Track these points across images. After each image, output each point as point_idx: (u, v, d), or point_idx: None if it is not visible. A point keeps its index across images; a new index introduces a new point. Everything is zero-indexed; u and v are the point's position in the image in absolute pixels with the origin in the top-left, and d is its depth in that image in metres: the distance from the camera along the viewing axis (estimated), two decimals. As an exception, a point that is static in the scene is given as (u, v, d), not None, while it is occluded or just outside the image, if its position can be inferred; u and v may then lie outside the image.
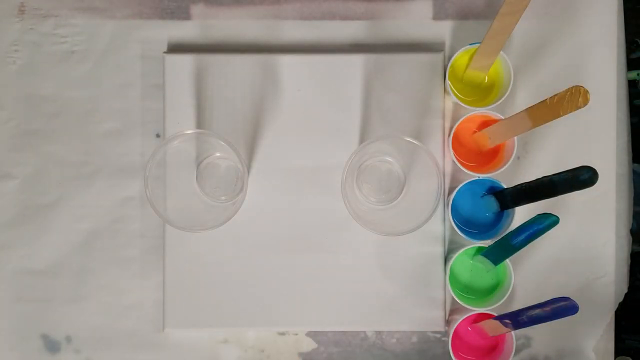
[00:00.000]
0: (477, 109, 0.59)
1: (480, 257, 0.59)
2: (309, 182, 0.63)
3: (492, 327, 0.57)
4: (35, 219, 0.64)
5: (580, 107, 0.42)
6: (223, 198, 0.62)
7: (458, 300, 0.59)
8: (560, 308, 0.48)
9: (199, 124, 0.63)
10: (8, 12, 0.65)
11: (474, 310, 0.59)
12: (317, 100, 0.63)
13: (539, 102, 0.46)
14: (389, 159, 0.62)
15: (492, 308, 0.59)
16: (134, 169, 0.64)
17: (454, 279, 0.61)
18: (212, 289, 0.63)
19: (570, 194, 0.47)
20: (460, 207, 0.61)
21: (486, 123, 0.61)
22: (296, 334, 0.64)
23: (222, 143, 0.53)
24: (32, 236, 0.64)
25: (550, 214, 0.48)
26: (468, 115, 0.59)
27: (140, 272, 0.64)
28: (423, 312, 0.63)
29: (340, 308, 0.63)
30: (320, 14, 0.65)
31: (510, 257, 0.57)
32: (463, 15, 0.65)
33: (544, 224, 0.49)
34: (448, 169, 0.63)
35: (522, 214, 0.58)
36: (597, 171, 0.44)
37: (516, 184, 0.55)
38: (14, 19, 0.65)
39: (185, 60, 0.63)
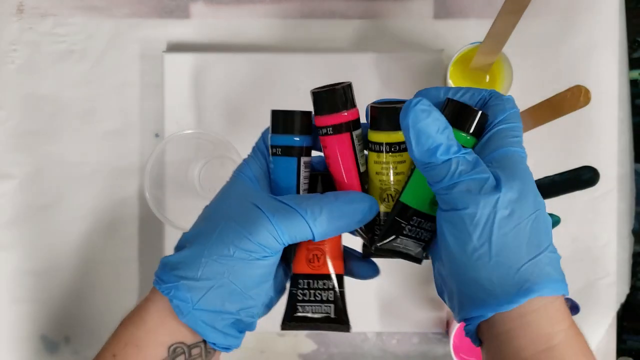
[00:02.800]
0: (478, 108, 0.59)
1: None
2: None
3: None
4: (35, 219, 0.64)
5: (581, 107, 0.42)
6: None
7: (459, 301, 0.59)
8: (561, 309, 0.48)
9: (199, 123, 0.62)
10: (7, 11, 0.64)
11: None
12: (317, 99, 0.63)
13: (540, 102, 0.46)
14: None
15: (493, 309, 0.59)
16: (133, 169, 0.64)
17: (454, 280, 0.61)
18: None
19: (571, 194, 0.47)
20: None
21: (487, 123, 0.61)
22: (296, 335, 0.64)
23: (222, 142, 0.53)
24: (32, 236, 0.64)
25: (551, 214, 0.48)
26: (469, 114, 0.59)
27: (139, 273, 0.64)
28: (424, 313, 0.62)
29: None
30: (321, 12, 0.65)
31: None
32: (464, 14, 0.64)
33: (545, 224, 0.49)
34: (449, 168, 0.63)
35: (523, 214, 0.58)
36: (599, 171, 0.44)
37: (517, 184, 0.54)
38: (12, 18, 0.64)
39: (185, 60, 0.62)
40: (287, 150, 0.35)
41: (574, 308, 0.49)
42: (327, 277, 0.36)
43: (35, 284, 0.64)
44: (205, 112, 0.62)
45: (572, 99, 0.42)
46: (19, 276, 0.64)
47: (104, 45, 0.64)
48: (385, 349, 0.64)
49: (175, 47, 0.65)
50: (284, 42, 0.65)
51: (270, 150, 0.35)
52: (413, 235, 0.35)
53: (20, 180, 0.64)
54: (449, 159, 0.30)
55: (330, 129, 0.34)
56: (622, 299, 0.64)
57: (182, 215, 0.56)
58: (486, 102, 0.35)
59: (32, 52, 0.64)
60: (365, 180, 0.36)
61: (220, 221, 0.33)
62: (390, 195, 0.35)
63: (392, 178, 0.34)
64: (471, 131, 0.33)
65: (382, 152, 0.34)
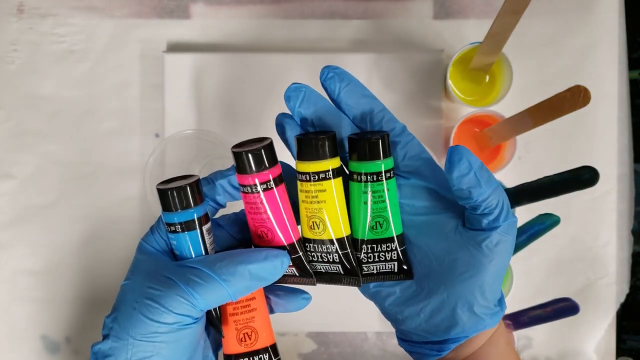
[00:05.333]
0: (478, 108, 0.59)
1: (481, 258, 0.59)
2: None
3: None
4: (35, 219, 0.64)
5: (581, 107, 0.42)
6: (223, 198, 0.62)
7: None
8: (561, 308, 0.48)
9: (199, 123, 0.62)
10: (7, 11, 0.64)
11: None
12: (317, 99, 0.63)
13: (540, 102, 0.46)
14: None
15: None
16: (133, 169, 0.64)
17: (454, 280, 0.61)
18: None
19: (571, 194, 0.47)
20: (460, 207, 0.61)
21: (487, 123, 0.61)
22: (296, 335, 0.64)
23: (222, 142, 0.53)
24: (32, 236, 0.64)
25: (551, 214, 0.48)
26: (469, 114, 0.59)
27: (140, 273, 0.64)
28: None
29: (340, 309, 0.63)
30: (321, 13, 0.65)
31: (512, 257, 0.57)
32: (463, 14, 0.64)
33: (545, 224, 0.49)
34: (449, 168, 0.63)
35: (523, 214, 0.58)
36: (598, 171, 0.44)
37: (517, 184, 0.54)
38: (12, 19, 0.64)
39: (185, 60, 0.62)
40: (187, 225, 0.34)
41: (573, 308, 0.49)
42: (264, 350, 0.36)
43: (35, 284, 0.64)
44: (205, 112, 0.62)
45: (572, 99, 0.42)
46: (19, 276, 0.64)
47: (104, 45, 0.64)
48: (385, 349, 0.64)
49: (175, 47, 0.65)
50: (284, 42, 0.65)
51: (167, 229, 0.35)
52: (373, 260, 0.36)
53: (20, 180, 0.64)
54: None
55: (260, 186, 0.34)
56: (622, 298, 0.64)
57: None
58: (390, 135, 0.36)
59: (32, 52, 0.64)
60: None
61: (137, 300, 0.33)
62: (316, 223, 0.36)
63: (316, 206, 0.35)
64: (387, 155, 0.35)
65: (304, 181, 0.35)
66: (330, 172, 0.34)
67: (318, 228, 0.35)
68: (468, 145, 0.61)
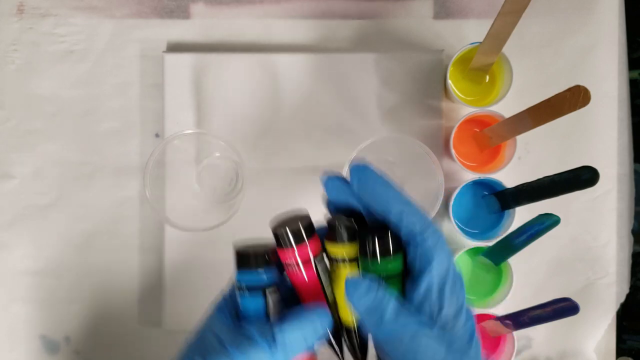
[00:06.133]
0: (478, 108, 0.59)
1: (481, 257, 0.59)
2: (309, 181, 0.63)
3: (493, 328, 0.57)
4: (34, 219, 0.64)
5: (581, 107, 0.42)
6: (223, 198, 0.62)
7: (459, 301, 0.59)
8: (561, 308, 0.48)
9: (199, 123, 0.62)
10: (7, 11, 0.64)
11: (475, 311, 0.59)
12: (317, 99, 0.63)
13: (540, 102, 0.46)
14: (390, 158, 0.62)
15: (493, 308, 0.59)
16: (133, 169, 0.64)
17: (454, 280, 0.61)
18: (211, 289, 0.62)
19: (571, 194, 0.47)
20: (461, 207, 0.61)
21: (487, 123, 0.61)
22: (296, 335, 0.64)
23: (222, 143, 0.53)
24: (31, 236, 0.64)
25: (551, 214, 0.48)
26: (469, 114, 0.59)
27: (140, 273, 0.64)
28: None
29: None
30: (321, 12, 0.65)
31: (512, 257, 0.57)
32: (464, 14, 0.64)
33: (545, 224, 0.49)
34: (449, 168, 0.63)
35: (523, 214, 0.58)
36: (598, 171, 0.44)
37: (517, 184, 0.54)
38: (12, 19, 0.64)
39: (185, 60, 0.62)
40: (252, 287, 0.35)
41: (573, 308, 0.49)
42: None
43: (35, 284, 0.64)
44: (205, 113, 0.62)
45: (572, 99, 0.42)
46: (19, 276, 0.64)
47: (104, 45, 0.65)
48: (385, 349, 0.64)
49: (175, 47, 0.65)
50: (284, 42, 0.65)
51: (235, 285, 0.36)
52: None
53: (20, 180, 0.64)
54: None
55: (292, 264, 0.36)
56: (622, 298, 0.64)
57: (182, 215, 0.56)
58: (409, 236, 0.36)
59: (32, 52, 0.64)
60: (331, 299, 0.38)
61: (191, 355, 0.34)
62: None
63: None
64: (392, 254, 0.35)
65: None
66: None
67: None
68: (468, 146, 0.62)
